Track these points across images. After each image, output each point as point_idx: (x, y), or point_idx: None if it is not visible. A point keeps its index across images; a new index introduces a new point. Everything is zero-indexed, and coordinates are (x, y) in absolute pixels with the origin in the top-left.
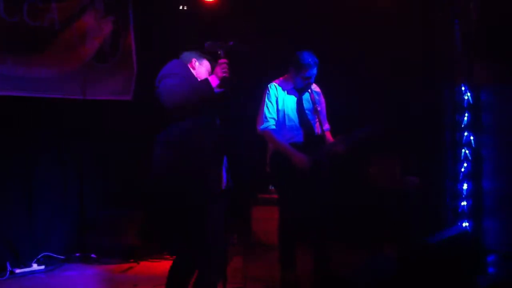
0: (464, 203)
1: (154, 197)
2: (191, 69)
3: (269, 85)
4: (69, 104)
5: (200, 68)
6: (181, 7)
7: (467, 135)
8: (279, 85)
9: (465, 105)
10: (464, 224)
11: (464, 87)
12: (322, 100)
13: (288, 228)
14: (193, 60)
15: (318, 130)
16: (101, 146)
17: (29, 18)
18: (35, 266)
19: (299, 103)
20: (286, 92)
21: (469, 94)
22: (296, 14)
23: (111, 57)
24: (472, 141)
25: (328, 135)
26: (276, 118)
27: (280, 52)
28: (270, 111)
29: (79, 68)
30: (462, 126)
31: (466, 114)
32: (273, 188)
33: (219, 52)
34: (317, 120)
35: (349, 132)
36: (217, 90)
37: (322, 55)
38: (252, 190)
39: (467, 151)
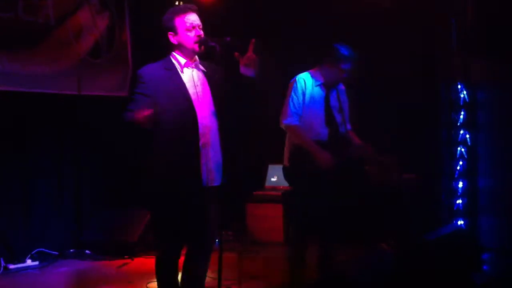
0: (459, 201)
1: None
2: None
3: (297, 78)
4: (68, 101)
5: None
6: (177, 3)
7: (462, 133)
8: (312, 76)
9: (461, 103)
10: (459, 222)
11: (461, 85)
12: (346, 99)
13: (302, 226)
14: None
15: (342, 129)
16: (98, 144)
17: (24, 13)
18: (29, 262)
19: (326, 100)
20: (314, 87)
21: (465, 92)
22: (294, 12)
23: (106, 53)
24: (468, 139)
25: (352, 135)
26: (301, 113)
27: (278, 51)
28: (295, 106)
29: (74, 64)
30: (458, 124)
31: (462, 112)
32: (288, 184)
33: (215, 47)
34: (342, 119)
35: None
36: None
37: (321, 54)
38: (247, 187)
39: (462, 149)
